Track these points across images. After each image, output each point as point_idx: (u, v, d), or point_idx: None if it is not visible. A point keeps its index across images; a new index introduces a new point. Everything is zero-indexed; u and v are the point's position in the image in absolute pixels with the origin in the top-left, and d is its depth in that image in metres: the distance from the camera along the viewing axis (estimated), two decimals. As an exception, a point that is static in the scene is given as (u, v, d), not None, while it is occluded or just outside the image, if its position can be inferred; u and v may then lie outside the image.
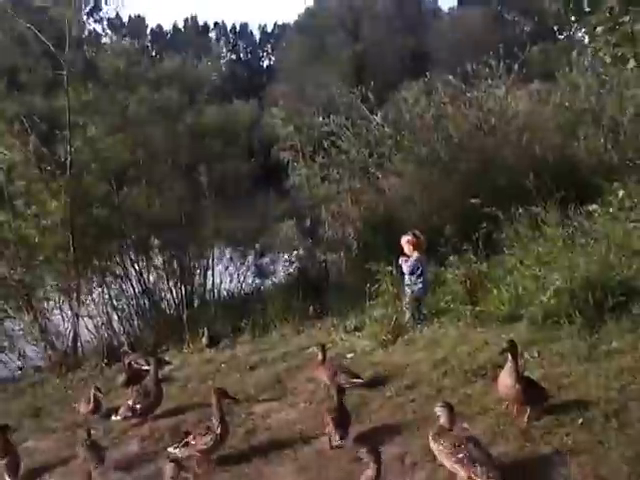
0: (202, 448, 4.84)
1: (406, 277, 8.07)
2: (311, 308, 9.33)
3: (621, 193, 7.78)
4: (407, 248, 8.25)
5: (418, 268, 8.14)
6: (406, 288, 8.06)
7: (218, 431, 4.85)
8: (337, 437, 4.81)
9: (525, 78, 16.40)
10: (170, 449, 4.97)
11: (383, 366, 6.48)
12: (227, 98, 16.24)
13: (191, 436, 4.89)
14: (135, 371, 7.40)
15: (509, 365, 4.72)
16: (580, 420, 4.53)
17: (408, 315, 7.97)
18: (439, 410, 4.32)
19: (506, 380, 4.71)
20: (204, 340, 8.59)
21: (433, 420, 4.84)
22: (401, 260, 8.26)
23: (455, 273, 8.85)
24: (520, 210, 9.48)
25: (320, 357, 6.17)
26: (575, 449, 4.19)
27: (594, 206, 8.27)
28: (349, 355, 7.18)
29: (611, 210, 7.88)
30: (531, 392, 4.72)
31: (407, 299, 8.03)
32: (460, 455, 4.01)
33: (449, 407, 4.32)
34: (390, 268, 8.19)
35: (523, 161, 13.04)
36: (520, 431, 4.54)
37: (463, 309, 7.70)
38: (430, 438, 4.25)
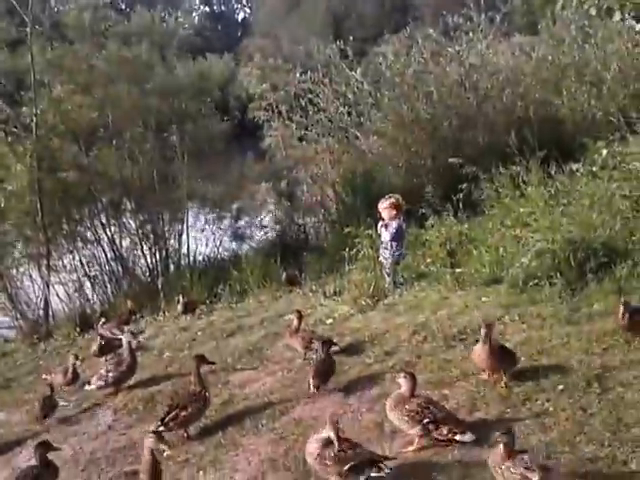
0: (186, 418, 4.82)
1: (387, 243, 7.94)
2: (284, 275, 9.17)
3: (604, 152, 7.73)
4: (387, 213, 8.06)
5: (400, 234, 8.09)
6: (387, 253, 7.97)
7: (200, 402, 4.87)
8: (313, 385, 4.98)
9: (507, 31, 16.26)
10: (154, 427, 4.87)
11: (362, 332, 6.45)
12: (200, 53, 15.84)
13: (176, 409, 4.82)
14: (108, 340, 7.35)
15: (483, 340, 4.80)
16: (561, 386, 4.55)
17: (389, 280, 7.95)
18: (401, 380, 4.32)
19: (479, 352, 4.83)
20: (179, 307, 8.52)
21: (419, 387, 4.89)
22: (381, 226, 8.12)
23: (435, 235, 8.84)
24: (501, 169, 9.47)
25: (295, 324, 6.12)
26: (556, 415, 4.21)
27: (576, 165, 8.23)
28: (328, 321, 7.14)
29: (594, 169, 7.84)
30: (503, 358, 4.83)
31: (388, 265, 7.98)
32: (425, 420, 4.09)
33: (411, 376, 4.33)
34: (370, 232, 8.14)
35: (505, 118, 12.98)
36: (501, 397, 4.54)
37: (444, 272, 7.69)
38: (387, 407, 4.29)
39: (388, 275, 8.03)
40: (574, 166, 8.24)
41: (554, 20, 16.77)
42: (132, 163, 10.59)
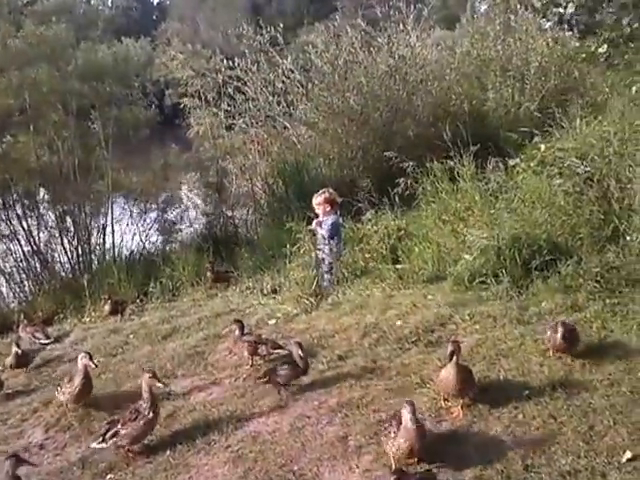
0: (132, 434, 4.38)
1: (326, 240, 7.72)
2: (209, 273, 8.67)
3: (543, 147, 7.74)
4: (322, 209, 7.86)
5: (337, 230, 7.84)
6: (326, 250, 7.72)
7: (150, 415, 4.41)
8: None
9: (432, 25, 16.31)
10: (94, 444, 4.44)
11: (309, 333, 6.16)
12: (115, 36, 14.97)
13: (119, 424, 4.39)
14: (25, 352, 6.65)
15: (451, 364, 4.26)
16: (526, 391, 4.41)
17: (327, 278, 7.70)
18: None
19: (448, 379, 4.28)
20: (106, 307, 7.95)
21: (373, 396, 4.66)
22: (315, 223, 7.88)
23: (374, 229, 8.67)
24: (435, 163, 9.38)
25: (237, 333, 5.74)
26: (526, 424, 4.06)
27: (515, 160, 8.21)
28: (271, 322, 6.80)
29: (531, 165, 7.83)
30: (468, 384, 4.33)
31: (327, 262, 7.72)
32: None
33: None
34: (311, 227, 7.86)
35: (434, 111, 13.00)
36: (466, 406, 4.36)
37: (385, 268, 7.51)
38: None
39: (327, 273, 7.78)
40: (511, 161, 8.22)
41: (473, 14, 16.93)
42: (51, 150, 9.84)
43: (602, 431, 3.88)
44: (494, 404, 4.33)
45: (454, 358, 4.24)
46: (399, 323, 5.95)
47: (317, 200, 7.91)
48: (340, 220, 8.08)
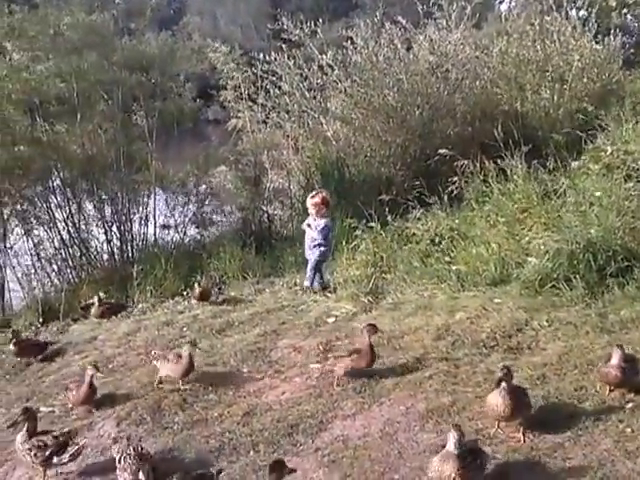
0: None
1: (314, 241, 7.60)
2: (196, 288, 7.62)
3: (609, 149, 7.49)
4: (317, 210, 7.62)
5: (329, 232, 7.68)
6: (315, 251, 7.58)
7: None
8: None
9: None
10: None
11: (380, 333, 5.90)
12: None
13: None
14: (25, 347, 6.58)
15: (501, 389, 3.94)
16: (630, 404, 4.19)
17: (310, 276, 7.65)
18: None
19: (497, 402, 3.95)
20: (93, 310, 7.40)
21: (464, 403, 4.44)
22: (307, 225, 7.69)
23: (425, 229, 8.45)
24: (486, 162, 9.17)
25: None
26: (636, 439, 3.83)
27: (577, 162, 7.98)
28: (330, 319, 6.58)
29: (596, 167, 7.58)
30: (522, 404, 4.04)
31: (313, 263, 7.62)
32: None
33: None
34: (373, 224, 7.64)
35: (473, 111, 12.77)
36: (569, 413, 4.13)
37: (443, 269, 7.28)
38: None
39: (311, 271, 7.66)
40: (574, 163, 7.99)
41: (509, 14, 16.66)
42: (95, 140, 9.62)
43: None
44: (597, 417, 4.10)
45: (502, 384, 3.93)
46: (472, 327, 5.71)
47: (314, 201, 7.68)
48: (331, 224, 7.84)
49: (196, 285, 7.57)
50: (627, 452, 3.75)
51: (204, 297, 7.56)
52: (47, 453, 4.11)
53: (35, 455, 4.11)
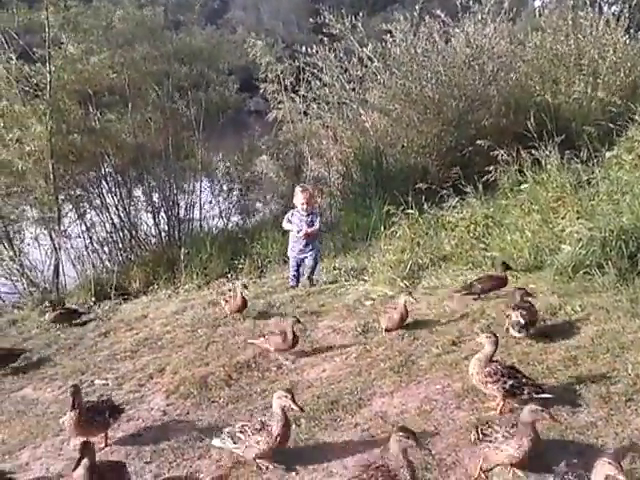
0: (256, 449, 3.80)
1: (310, 246, 7.39)
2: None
3: (643, 139, 7.34)
4: (309, 203, 7.25)
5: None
6: (309, 255, 7.42)
7: (276, 432, 3.76)
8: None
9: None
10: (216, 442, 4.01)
11: (411, 316, 5.91)
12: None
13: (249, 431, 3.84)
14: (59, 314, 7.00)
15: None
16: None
17: (293, 273, 7.53)
18: (484, 340, 4.22)
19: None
20: (50, 315, 7.19)
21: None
22: (291, 215, 7.37)
23: (460, 217, 8.38)
24: (522, 153, 9.06)
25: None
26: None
27: (610, 152, 7.82)
28: (367, 302, 6.59)
29: (629, 157, 7.43)
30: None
31: (298, 258, 7.45)
32: (510, 382, 4.02)
33: (494, 336, 4.21)
34: (412, 211, 7.61)
35: (507, 103, 12.61)
36: (600, 396, 4.08)
37: (479, 255, 7.23)
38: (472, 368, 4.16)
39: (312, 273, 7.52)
40: (608, 153, 7.84)
41: (543, 9, 16.31)
42: (145, 129, 9.76)
43: None
44: (629, 398, 4.05)
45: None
46: (508, 312, 5.65)
47: (305, 195, 7.21)
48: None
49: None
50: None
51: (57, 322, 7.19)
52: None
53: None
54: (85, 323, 7.16)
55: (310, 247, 7.38)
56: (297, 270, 7.54)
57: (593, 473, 2.84)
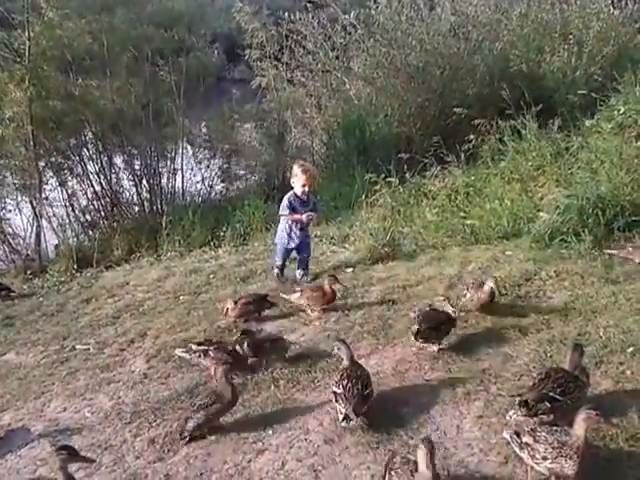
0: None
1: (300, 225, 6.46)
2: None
3: (622, 109, 7.41)
4: (310, 184, 6.32)
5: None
6: (306, 245, 6.60)
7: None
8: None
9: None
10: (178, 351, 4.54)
11: (390, 282, 6.04)
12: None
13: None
14: None
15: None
16: (630, 348, 4.26)
17: (279, 265, 6.62)
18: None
19: None
20: None
21: (472, 344, 4.55)
22: (289, 196, 6.40)
23: (441, 185, 8.47)
24: (500, 122, 9.16)
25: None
26: (636, 380, 3.92)
27: (591, 121, 7.90)
28: (348, 269, 6.68)
29: (608, 126, 7.51)
30: None
31: (288, 248, 6.53)
32: None
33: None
34: (393, 180, 7.68)
35: (491, 72, 12.60)
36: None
37: (459, 223, 7.33)
38: None
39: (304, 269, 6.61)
40: (587, 122, 7.92)
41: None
42: (124, 95, 9.68)
43: None
44: (598, 360, 4.19)
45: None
46: (484, 277, 5.77)
47: (307, 176, 6.22)
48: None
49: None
50: (625, 392, 3.84)
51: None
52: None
53: None
54: (12, 299, 7.14)
55: (306, 233, 6.56)
56: (284, 260, 6.68)
57: (575, 424, 2.96)
